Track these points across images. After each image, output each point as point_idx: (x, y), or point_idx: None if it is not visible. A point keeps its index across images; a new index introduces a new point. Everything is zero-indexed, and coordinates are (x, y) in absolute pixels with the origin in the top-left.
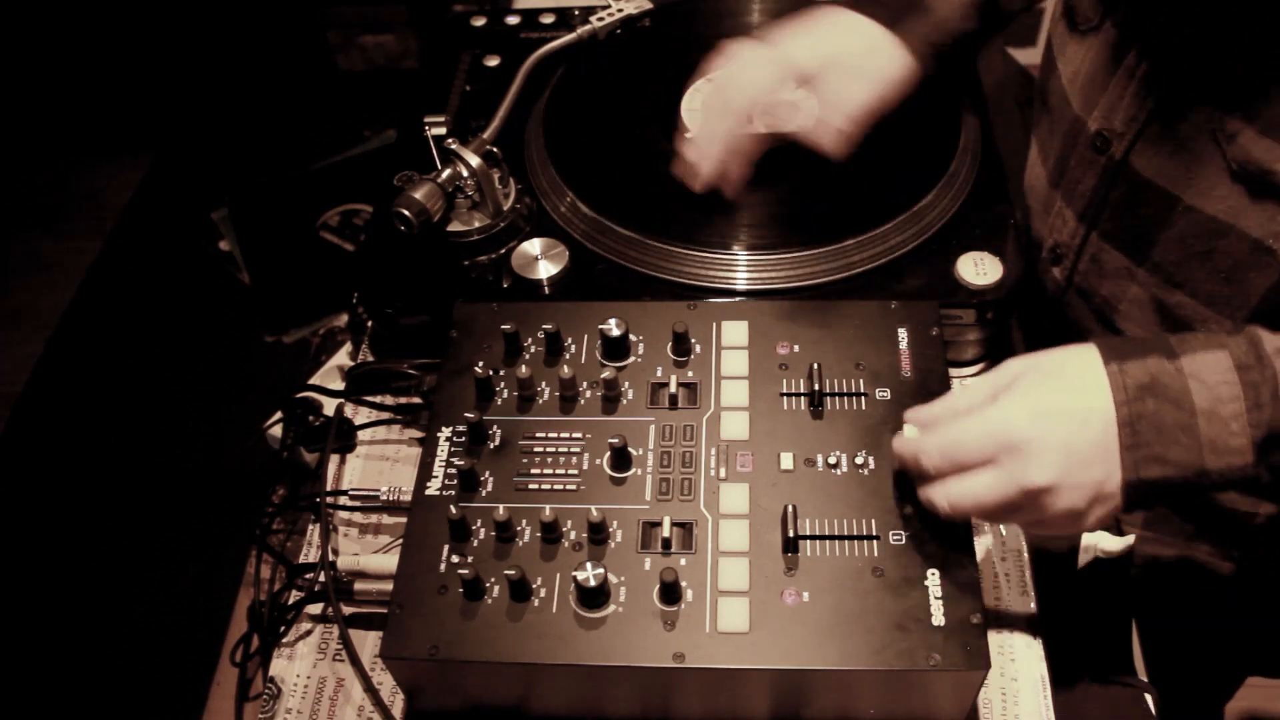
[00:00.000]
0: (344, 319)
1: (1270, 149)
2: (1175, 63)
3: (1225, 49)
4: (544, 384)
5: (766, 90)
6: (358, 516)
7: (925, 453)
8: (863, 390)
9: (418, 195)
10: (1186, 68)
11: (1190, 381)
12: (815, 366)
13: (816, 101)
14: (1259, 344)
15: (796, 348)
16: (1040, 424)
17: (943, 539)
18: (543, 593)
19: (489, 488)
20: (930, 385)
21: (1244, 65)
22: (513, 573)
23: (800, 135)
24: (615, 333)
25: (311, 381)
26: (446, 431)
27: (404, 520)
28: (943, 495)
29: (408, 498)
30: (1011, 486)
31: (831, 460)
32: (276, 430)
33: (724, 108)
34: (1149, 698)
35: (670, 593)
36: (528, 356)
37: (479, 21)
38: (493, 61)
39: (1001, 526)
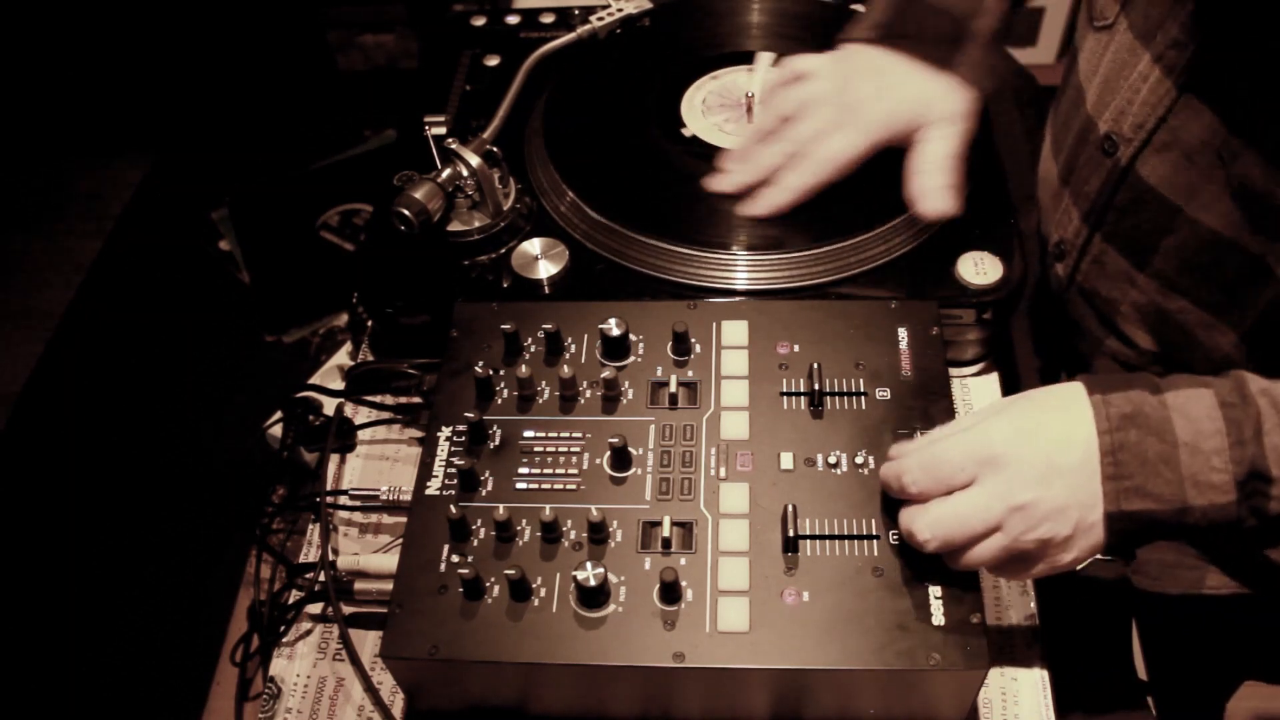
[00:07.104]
0: (344, 319)
1: (1271, 174)
2: (1183, 75)
3: (1231, 67)
4: (544, 384)
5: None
6: (358, 516)
7: (908, 470)
8: (863, 390)
9: (418, 195)
10: (1194, 82)
11: (1173, 414)
12: (815, 366)
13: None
14: (1244, 384)
15: (796, 347)
16: (1022, 440)
17: None
18: (543, 592)
19: (489, 487)
20: (930, 385)
21: (1248, 86)
22: (513, 572)
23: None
24: (615, 332)
25: (311, 381)
26: (446, 431)
27: (404, 520)
28: (925, 522)
29: (408, 497)
30: (995, 503)
31: (831, 460)
32: (276, 430)
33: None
34: (1149, 698)
35: (670, 592)
36: (528, 356)
37: (479, 21)
38: (493, 61)
39: None
